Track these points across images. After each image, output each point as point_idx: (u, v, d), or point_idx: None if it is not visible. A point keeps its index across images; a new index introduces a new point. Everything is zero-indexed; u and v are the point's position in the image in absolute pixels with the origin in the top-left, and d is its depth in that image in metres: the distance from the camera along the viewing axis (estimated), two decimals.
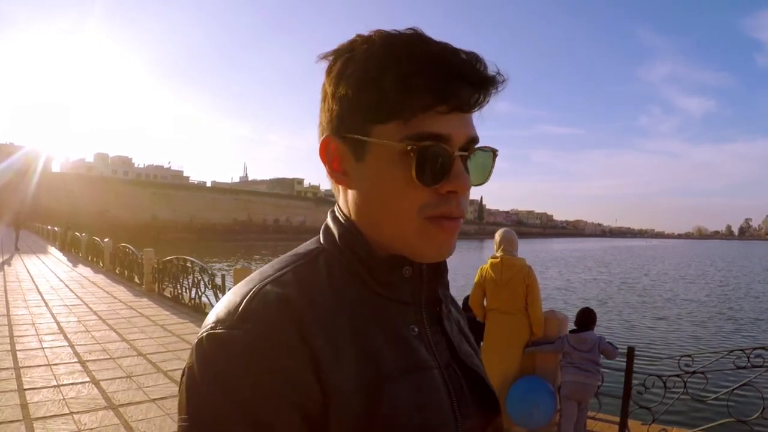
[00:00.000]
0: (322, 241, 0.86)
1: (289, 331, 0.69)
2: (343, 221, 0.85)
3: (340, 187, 0.85)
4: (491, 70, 0.77)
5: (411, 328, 0.82)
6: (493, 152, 0.83)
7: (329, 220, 0.88)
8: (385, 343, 0.77)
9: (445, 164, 0.75)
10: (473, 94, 0.76)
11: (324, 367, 0.69)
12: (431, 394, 0.78)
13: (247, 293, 0.73)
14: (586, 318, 4.91)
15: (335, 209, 0.89)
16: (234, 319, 0.70)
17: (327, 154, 0.82)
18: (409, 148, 0.74)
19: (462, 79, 0.74)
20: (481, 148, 0.81)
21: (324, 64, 0.83)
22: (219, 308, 0.74)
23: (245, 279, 0.79)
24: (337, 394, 0.69)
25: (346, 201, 0.85)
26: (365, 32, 0.80)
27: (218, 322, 0.71)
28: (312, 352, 0.69)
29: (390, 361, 0.75)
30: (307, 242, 0.89)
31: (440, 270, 0.88)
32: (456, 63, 0.74)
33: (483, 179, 0.83)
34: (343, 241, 0.83)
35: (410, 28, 0.78)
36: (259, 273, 0.79)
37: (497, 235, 5.38)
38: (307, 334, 0.70)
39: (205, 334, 0.71)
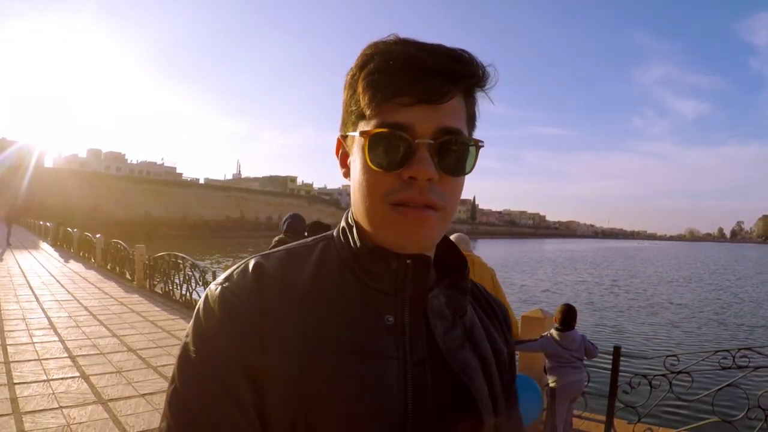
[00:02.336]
0: (333, 233, 0.96)
1: (253, 296, 0.83)
2: (348, 216, 0.94)
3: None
4: (469, 65, 0.82)
5: (386, 318, 0.85)
6: (476, 144, 0.85)
7: (343, 216, 0.97)
8: (348, 325, 0.83)
9: (405, 151, 0.80)
10: (438, 85, 0.79)
11: (269, 332, 0.80)
12: (378, 380, 0.80)
13: (243, 261, 0.89)
14: (572, 316, 4.93)
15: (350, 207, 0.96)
16: (223, 278, 0.87)
17: (339, 152, 0.95)
18: (361, 135, 0.83)
19: (426, 72, 0.79)
20: (457, 139, 0.82)
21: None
22: (228, 270, 0.90)
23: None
24: (274, 356, 0.79)
25: (352, 194, 0.92)
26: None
27: (217, 280, 0.88)
28: (263, 318, 0.81)
29: (343, 340, 0.81)
30: (327, 233, 0.99)
31: (428, 263, 0.88)
32: (421, 58, 0.79)
33: (461, 169, 0.84)
34: (342, 232, 0.93)
35: (392, 35, 0.84)
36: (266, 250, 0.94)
37: (452, 239, 5.56)
38: (267, 302, 0.82)
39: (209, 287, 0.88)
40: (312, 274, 0.88)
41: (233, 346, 0.79)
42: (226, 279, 0.86)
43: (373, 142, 0.80)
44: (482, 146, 0.86)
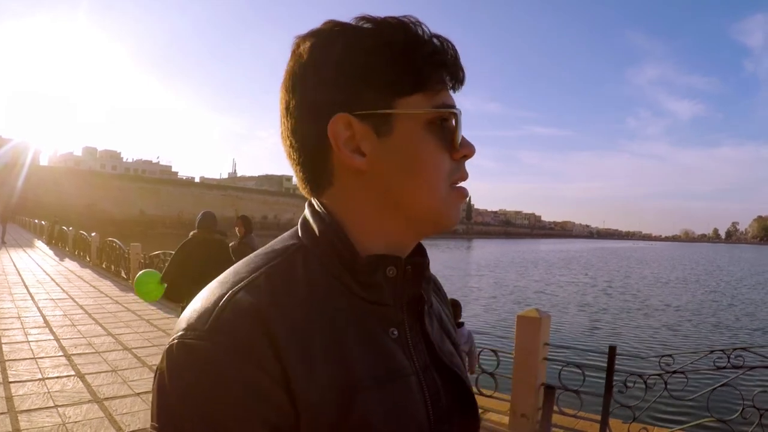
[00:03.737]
0: (300, 235, 0.83)
1: (260, 345, 0.67)
2: (324, 217, 0.81)
3: (338, 172, 0.80)
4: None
5: (390, 332, 0.80)
6: None
7: (308, 215, 0.84)
8: (360, 352, 0.74)
9: (458, 131, 0.81)
10: (463, 78, 0.83)
11: (295, 383, 0.67)
12: (405, 403, 0.77)
13: (220, 299, 0.71)
14: (458, 312, 4.89)
15: (314, 203, 0.84)
16: (205, 329, 0.68)
17: (339, 133, 0.76)
18: (453, 112, 0.80)
19: (460, 63, 0.82)
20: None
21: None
22: (191, 312, 0.72)
23: (219, 278, 0.77)
24: (307, 408, 0.68)
25: (347, 189, 0.81)
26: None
27: (188, 329, 0.69)
28: (283, 368, 0.67)
29: (364, 370, 0.73)
30: (285, 235, 0.85)
31: (423, 268, 0.86)
32: (453, 49, 0.82)
33: None
34: (325, 238, 0.80)
35: (405, 16, 0.80)
36: (233, 273, 0.76)
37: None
38: (280, 348, 0.68)
39: (175, 341, 0.70)
40: (306, 298, 0.74)
41: (255, 411, 0.65)
42: (212, 330, 0.68)
43: (457, 120, 0.81)
44: None
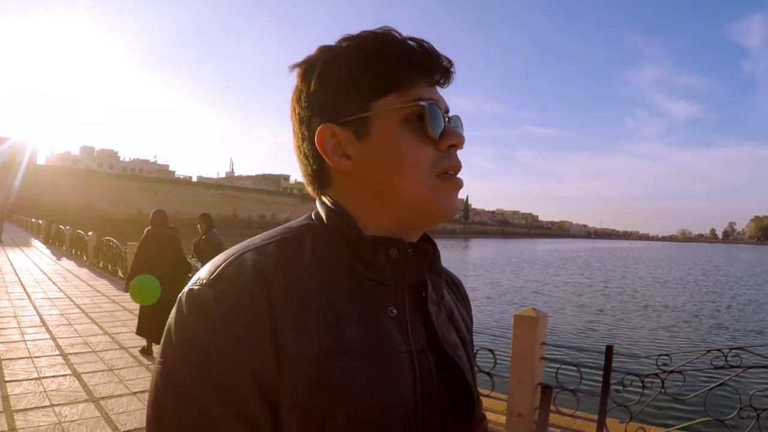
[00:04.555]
0: (313, 218, 0.91)
1: (257, 298, 0.74)
2: (331, 206, 0.88)
3: (333, 174, 0.89)
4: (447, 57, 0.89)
5: (389, 310, 0.84)
6: (460, 122, 0.92)
7: (319, 205, 0.92)
8: (356, 321, 0.80)
9: (443, 122, 0.86)
10: (445, 71, 0.88)
11: (283, 339, 0.73)
12: (392, 377, 0.80)
13: (230, 257, 0.79)
14: None
15: (324, 198, 0.91)
16: (210, 278, 0.76)
17: (326, 142, 0.86)
18: (420, 105, 0.83)
19: (438, 59, 0.86)
20: (455, 115, 0.91)
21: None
22: (205, 268, 0.80)
23: (236, 245, 0.84)
24: (291, 364, 0.73)
25: (343, 188, 0.89)
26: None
27: (197, 281, 0.78)
28: (274, 323, 0.74)
29: (355, 339, 0.78)
30: (300, 218, 0.93)
31: (426, 253, 0.89)
32: (428, 46, 0.86)
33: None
34: (332, 222, 0.87)
35: (384, 27, 0.87)
36: (248, 241, 0.85)
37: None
38: (275, 306, 0.74)
39: (186, 289, 0.78)
40: (310, 267, 0.81)
41: (244, 358, 0.71)
42: (217, 279, 0.76)
43: (431, 112, 0.83)
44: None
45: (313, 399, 0.73)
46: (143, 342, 7.48)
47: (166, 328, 0.76)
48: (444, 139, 0.85)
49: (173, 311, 0.77)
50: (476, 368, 6.64)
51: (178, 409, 0.71)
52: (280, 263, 0.79)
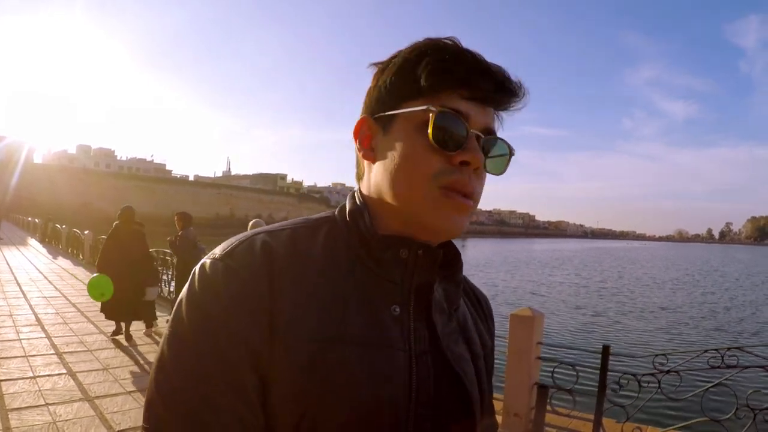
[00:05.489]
0: (336, 214, 0.94)
1: (261, 279, 0.79)
2: (357, 200, 0.92)
3: (365, 165, 0.94)
4: (518, 86, 0.87)
5: (393, 308, 0.85)
6: (509, 150, 0.91)
7: (347, 199, 0.95)
8: (356, 314, 0.81)
9: (462, 136, 0.83)
10: (494, 90, 0.85)
11: (278, 322, 0.77)
12: (385, 372, 0.80)
13: (245, 237, 0.85)
14: None
15: (355, 191, 0.96)
16: (222, 254, 0.82)
17: (360, 131, 0.91)
18: (430, 111, 0.81)
19: (484, 75, 0.84)
20: (499, 139, 0.89)
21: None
22: (222, 244, 0.85)
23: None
24: (283, 347, 0.76)
25: (369, 180, 0.92)
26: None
27: (210, 255, 0.83)
28: (273, 305, 0.78)
29: (353, 330, 0.80)
30: (323, 212, 0.96)
31: (437, 256, 0.88)
32: (482, 62, 0.85)
33: (498, 169, 0.91)
34: (351, 216, 0.90)
35: (449, 37, 0.87)
36: (265, 226, 0.90)
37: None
38: (276, 288, 0.78)
39: (200, 262, 0.83)
40: (320, 257, 0.85)
41: (240, 329, 0.76)
42: (228, 254, 0.81)
43: (438, 118, 0.81)
44: (513, 155, 0.92)
45: (304, 385, 0.75)
46: (139, 341, 7.50)
47: (178, 299, 0.81)
48: (457, 153, 0.82)
49: (188, 281, 0.81)
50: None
51: (179, 366, 0.76)
52: (290, 250, 0.83)
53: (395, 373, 0.81)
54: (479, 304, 1.09)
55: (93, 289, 7.58)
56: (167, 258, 12.14)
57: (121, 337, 8.01)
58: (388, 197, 0.86)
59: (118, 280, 7.60)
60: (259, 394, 0.76)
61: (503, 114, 0.91)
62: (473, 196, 0.85)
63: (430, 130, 0.81)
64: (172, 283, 11.54)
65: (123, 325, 8.04)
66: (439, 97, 0.83)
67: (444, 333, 0.89)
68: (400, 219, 0.87)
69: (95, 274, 7.85)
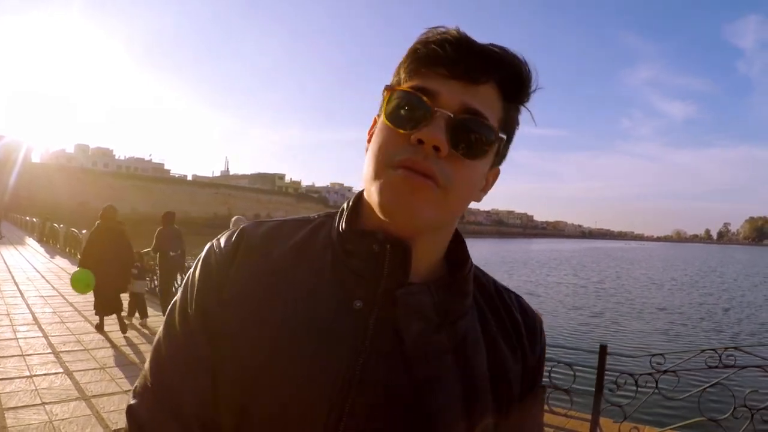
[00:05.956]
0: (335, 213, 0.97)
1: (227, 254, 0.89)
2: (354, 196, 0.93)
3: None
4: (514, 58, 0.82)
5: (354, 302, 0.81)
6: (492, 131, 0.81)
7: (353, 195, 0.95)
8: (314, 301, 0.82)
9: (420, 114, 0.78)
10: (475, 65, 0.79)
11: (230, 288, 0.85)
12: (324, 363, 0.78)
13: (240, 226, 0.95)
14: None
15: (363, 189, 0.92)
16: (218, 237, 0.94)
17: (371, 131, 0.89)
18: (385, 90, 0.83)
19: (469, 53, 0.80)
20: (478, 121, 0.79)
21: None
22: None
23: None
24: (228, 314, 0.83)
25: None
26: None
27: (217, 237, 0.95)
28: (228, 274, 0.86)
29: (298, 315, 0.81)
30: (329, 212, 0.98)
31: (407, 253, 0.82)
32: (468, 41, 0.81)
33: (474, 153, 0.80)
34: (339, 212, 0.93)
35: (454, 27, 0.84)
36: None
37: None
38: (237, 262, 0.87)
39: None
40: (295, 247, 0.89)
41: (199, 291, 0.87)
42: (218, 238, 0.93)
43: (394, 98, 0.81)
44: (503, 140, 0.84)
45: (239, 351, 0.80)
46: (135, 340, 7.52)
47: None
48: (414, 131, 0.77)
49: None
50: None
51: (165, 323, 0.90)
52: (267, 236, 0.91)
53: (332, 367, 0.78)
54: (510, 320, 0.96)
55: (76, 282, 8.06)
56: (151, 254, 12.17)
57: (118, 333, 8.07)
58: (366, 190, 0.85)
59: (99, 274, 8.01)
60: (209, 356, 0.83)
61: (525, 99, 0.87)
62: (434, 177, 0.76)
63: (383, 110, 0.81)
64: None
65: (104, 319, 8.51)
66: (416, 78, 0.81)
67: (419, 342, 0.82)
68: (375, 211, 0.82)
69: (77, 269, 8.33)
